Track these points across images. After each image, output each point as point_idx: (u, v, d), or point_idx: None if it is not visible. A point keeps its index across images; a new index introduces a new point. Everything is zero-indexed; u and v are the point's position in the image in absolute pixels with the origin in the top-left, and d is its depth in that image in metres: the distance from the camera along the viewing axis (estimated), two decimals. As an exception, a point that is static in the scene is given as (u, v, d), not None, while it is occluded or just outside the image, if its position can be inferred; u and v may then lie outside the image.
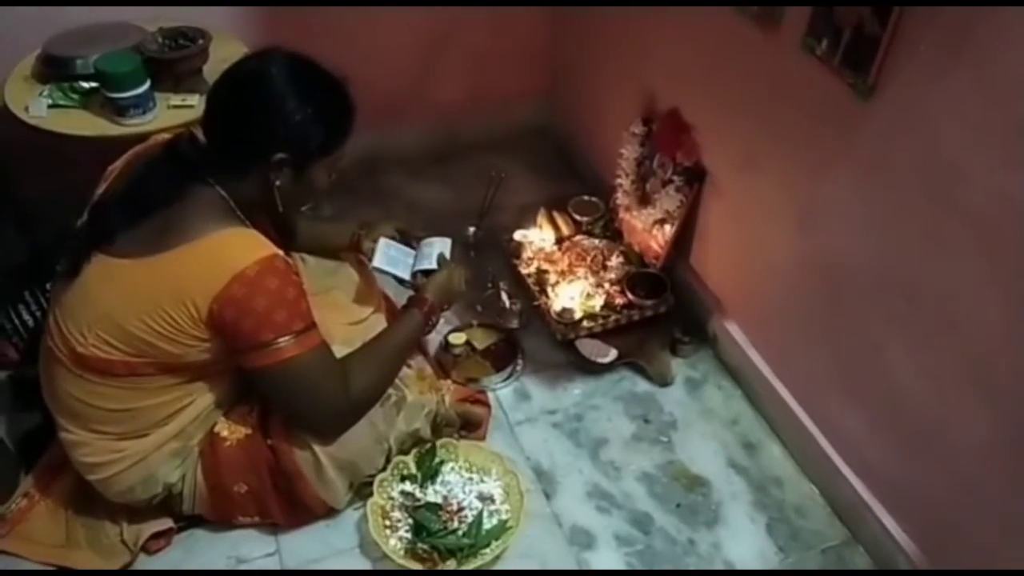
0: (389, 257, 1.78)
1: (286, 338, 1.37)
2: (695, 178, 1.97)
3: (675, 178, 2.00)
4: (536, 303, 2.11)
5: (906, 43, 1.32)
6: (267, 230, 1.47)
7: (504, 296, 2.15)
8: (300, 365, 1.40)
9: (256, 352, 1.37)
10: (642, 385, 2.00)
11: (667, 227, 2.04)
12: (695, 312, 2.10)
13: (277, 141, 1.36)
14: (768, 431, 1.90)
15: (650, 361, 2.01)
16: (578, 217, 2.29)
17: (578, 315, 2.04)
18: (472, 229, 2.33)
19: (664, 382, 2.00)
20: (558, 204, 2.33)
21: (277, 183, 1.39)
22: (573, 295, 2.06)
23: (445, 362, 2.00)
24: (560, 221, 2.28)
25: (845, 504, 1.71)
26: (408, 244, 1.85)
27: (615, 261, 2.17)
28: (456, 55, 2.56)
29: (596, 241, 2.24)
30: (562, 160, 2.67)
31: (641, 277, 2.12)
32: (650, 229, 2.09)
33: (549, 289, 2.11)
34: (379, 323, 1.78)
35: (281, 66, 1.37)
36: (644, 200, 2.12)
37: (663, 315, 2.09)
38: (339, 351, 1.52)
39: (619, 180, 2.18)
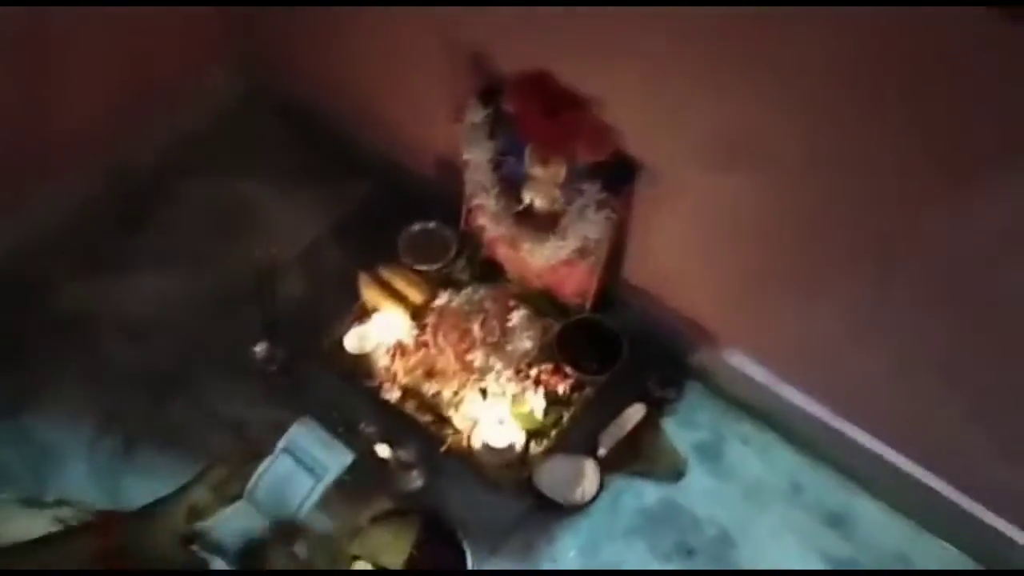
0: None
1: None
2: (620, 179, 1.18)
3: (586, 187, 1.19)
4: (444, 448, 1.31)
5: None
6: None
7: (383, 449, 1.30)
8: None
9: None
10: (650, 493, 1.33)
11: (588, 257, 1.27)
12: (663, 346, 1.39)
13: None
14: (844, 481, 1.33)
15: (650, 460, 1.32)
16: (423, 267, 1.42)
17: (520, 443, 1.28)
18: (259, 348, 1.39)
19: (679, 474, 1.34)
20: (379, 256, 1.43)
21: None
22: (500, 415, 1.28)
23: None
24: (399, 285, 1.40)
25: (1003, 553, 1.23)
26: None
27: (518, 319, 1.37)
28: (79, 37, 1.39)
29: (471, 293, 1.41)
30: (318, 145, 1.65)
31: (571, 333, 1.36)
32: (562, 265, 1.30)
33: (452, 414, 1.31)
34: None
35: None
36: (528, 218, 1.29)
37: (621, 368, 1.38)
38: None
39: (477, 201, 1.32)
